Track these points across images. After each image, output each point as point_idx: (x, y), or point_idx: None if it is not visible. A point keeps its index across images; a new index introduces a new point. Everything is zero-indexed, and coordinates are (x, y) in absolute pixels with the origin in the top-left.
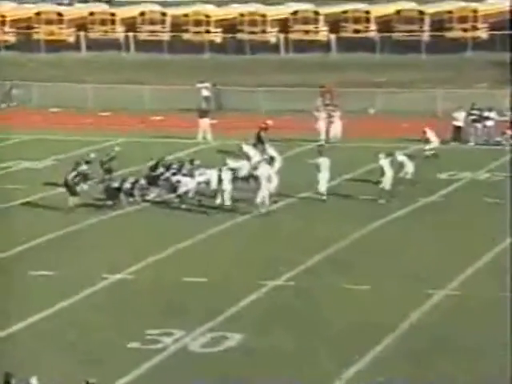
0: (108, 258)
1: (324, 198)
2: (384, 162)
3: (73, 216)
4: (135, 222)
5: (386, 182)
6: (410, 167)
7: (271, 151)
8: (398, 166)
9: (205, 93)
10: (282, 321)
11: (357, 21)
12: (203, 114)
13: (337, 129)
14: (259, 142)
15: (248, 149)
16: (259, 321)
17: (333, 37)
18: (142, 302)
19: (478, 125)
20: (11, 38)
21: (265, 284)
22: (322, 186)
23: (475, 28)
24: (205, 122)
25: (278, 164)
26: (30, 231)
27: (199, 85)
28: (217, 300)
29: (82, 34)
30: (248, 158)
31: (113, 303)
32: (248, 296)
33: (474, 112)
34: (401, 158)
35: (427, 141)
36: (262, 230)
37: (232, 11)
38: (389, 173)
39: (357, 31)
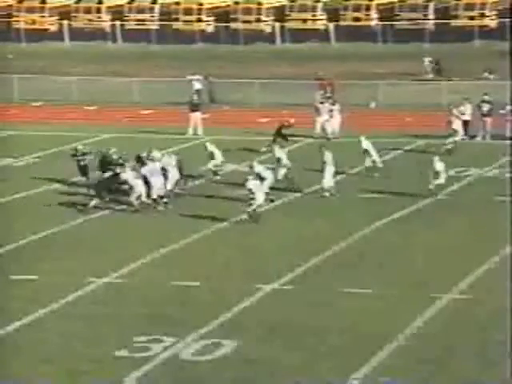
0: (94, 261)
1: (330, 193)
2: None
3: (57, 216)
4: (123, 223)
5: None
6: (374, 154)
7: (279, 153)
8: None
9: (196, 85)
10: (278, 327)
11: (357, 9)
12: (194, 107)
13: (336, 123)
14: (281, 137)
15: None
16: (255, 327)
17: (332, 25)
18: (129, 307)
19: (488, 119)
20: None
21: (260, 288)
22: (329, 182)
23: (483, 16)
24: (196, 116)
25: (284, 163)
26: (11, 232)
27: (190, 77)
28: (210, 305)
29: (65, 22)
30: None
31: (99, 308)
32: (243, 301)
33: (485, 105)
34: (365, 144)
35: (453, 133)
36: (257, 231)
37: None
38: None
39: (357, 19)
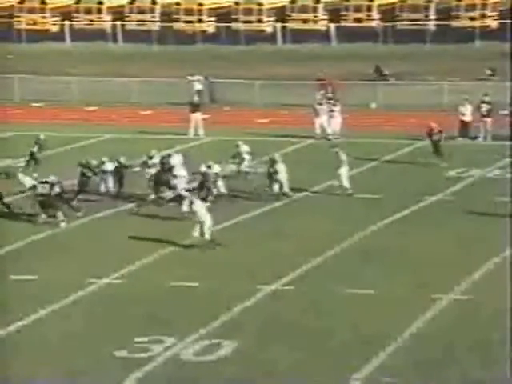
0: (94, 262)
1: (349, 191)
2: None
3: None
4: (122, 224)
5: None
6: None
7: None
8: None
9: (197, 86)
10: (280, 328)
11: (358, 9)
12: (195, 108)
13: (336, 124)
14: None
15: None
16: (256, 328)
17: (333, 26)
18: (129, 307)
19: (488, 119)
20: None
21: (261, 289)
22: (345, 180)
23: (484, 16)
24: (197, 117)
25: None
26: (11, 233)
27: (191, 77)
28: (210, 306)
29: (66, 23)
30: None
31: (99, 309)
32: (243, 301)
33: (484, 105)
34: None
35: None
36: (260, 230)
37: None
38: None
39: (358, 20)
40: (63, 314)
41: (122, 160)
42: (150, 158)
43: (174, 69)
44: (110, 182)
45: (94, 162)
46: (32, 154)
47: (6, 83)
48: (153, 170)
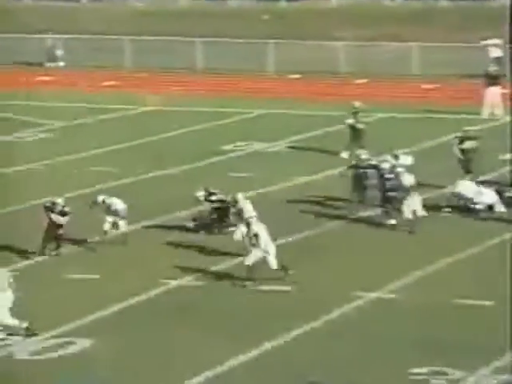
0: (357, 272)
1: None
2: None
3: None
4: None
5: None
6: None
7: None
8: None
9: (495, 52)
10: None
11: None
12: (492, 80)
13: None
14: None
15: None
16: None
17: None
18: (403, 327)
19: None
20: None
21: None
22: None
23: None
24: (494, 92)
25: None
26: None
27: (486, 42)
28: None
29: None
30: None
31: (366, 328)
32: None
33: None
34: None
35: None
36: None
37: None
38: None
39: None
40: (327, 333)
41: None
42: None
43: (464, 30)
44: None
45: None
46: (352, 127)
47: (258, 50)
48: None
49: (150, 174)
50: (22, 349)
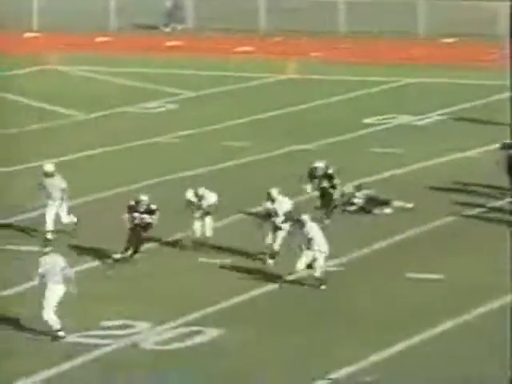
0: None
1: None
2: None
3: None
4: None
5: None
6: None
7: None
8: None
9: None
10: None
11: None
12: None
13: None
14: None
15: None
16: None
17: None
18: None
19: None
20: None
21: None
22: None
23: None
24: None
25: None
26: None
27: None
28: None
29: None
30: None
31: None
32: None
33: None
34: None
35: None
36: None
37: None
38: None
39: None
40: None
41: None
42: None
43: None
44: None
45: None
46: None
47: (407, 9)
48: None
49: (286, 149)
50: (147, 338)
